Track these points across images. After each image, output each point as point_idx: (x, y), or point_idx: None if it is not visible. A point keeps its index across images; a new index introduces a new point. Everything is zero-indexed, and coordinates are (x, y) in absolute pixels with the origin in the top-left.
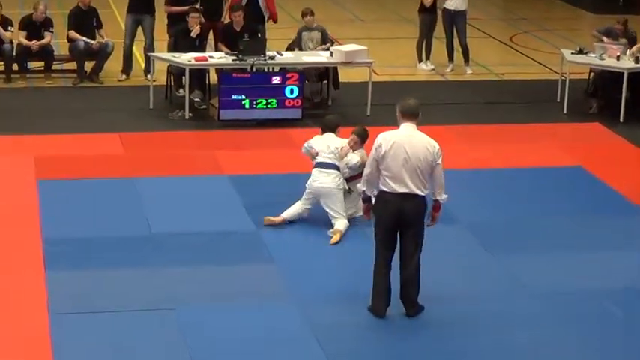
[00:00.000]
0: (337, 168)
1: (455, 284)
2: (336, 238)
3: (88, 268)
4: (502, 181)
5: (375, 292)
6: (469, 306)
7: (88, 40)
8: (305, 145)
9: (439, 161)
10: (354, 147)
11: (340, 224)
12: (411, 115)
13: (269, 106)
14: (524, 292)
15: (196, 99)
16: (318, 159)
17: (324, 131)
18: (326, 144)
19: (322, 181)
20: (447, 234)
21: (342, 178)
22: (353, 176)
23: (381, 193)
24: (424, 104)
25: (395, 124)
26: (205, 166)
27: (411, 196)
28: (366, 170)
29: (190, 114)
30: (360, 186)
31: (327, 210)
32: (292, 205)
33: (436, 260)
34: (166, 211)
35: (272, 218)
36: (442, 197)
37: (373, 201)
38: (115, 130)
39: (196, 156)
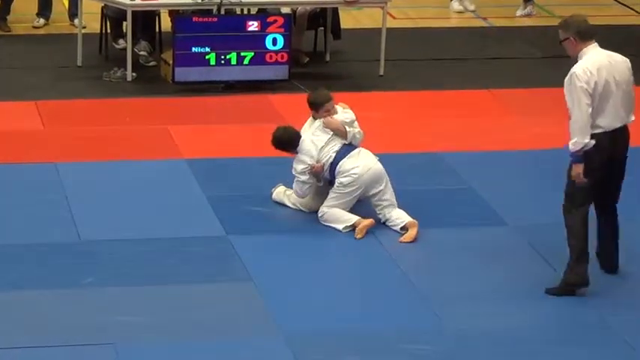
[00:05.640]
0: None
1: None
2: (413, 232)
3: None
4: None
5: (577, 257)
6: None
7: None
8: (296, 173)
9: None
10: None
11: (403, 213)
12: (593, 34)
13: (243, 62)
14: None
15: (142, 53)
16: (336, 146)
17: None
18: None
19: (363, 164)
20: (495, 240)
21: None
22: None
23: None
24: (460, 60)
25: (412, 88)
26: (155, 146)
27: (623, 129)
28: (580, 116)
29: (134, 74)
30: (578, 140)
31: (378, 201)
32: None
33: (489, 282)
34: (101, 210)
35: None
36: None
37: None
38: (30, 97)
39: (143, 132)
